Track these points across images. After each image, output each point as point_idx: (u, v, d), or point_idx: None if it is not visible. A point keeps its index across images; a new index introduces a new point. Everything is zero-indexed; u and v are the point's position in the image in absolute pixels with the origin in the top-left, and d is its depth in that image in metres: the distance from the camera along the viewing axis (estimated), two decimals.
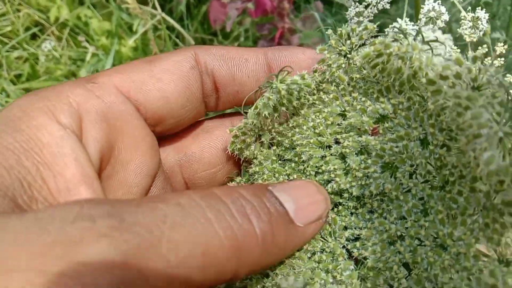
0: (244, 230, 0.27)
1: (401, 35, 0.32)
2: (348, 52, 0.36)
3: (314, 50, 0.37)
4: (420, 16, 0.45)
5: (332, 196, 0.36)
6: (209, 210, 0.26)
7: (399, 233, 0.33)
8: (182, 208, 0.26)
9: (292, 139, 0.38)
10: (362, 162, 0.35)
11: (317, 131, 0.37)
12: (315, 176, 0.37)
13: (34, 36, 1.57)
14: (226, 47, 0.39)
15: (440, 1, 0.45)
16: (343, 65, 0.36)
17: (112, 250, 0.22)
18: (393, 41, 0.32)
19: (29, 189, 0.27)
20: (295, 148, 0.37)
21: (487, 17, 0.48)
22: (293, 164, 0.38)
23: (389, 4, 0.46)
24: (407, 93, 0.34)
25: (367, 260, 0.34)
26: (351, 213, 0.36)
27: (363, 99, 0.36)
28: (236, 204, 0.28)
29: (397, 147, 0.33)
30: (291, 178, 0.37)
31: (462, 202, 0.31)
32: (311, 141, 0.37)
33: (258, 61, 0.38)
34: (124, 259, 0.22)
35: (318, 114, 0.37)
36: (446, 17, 0.46)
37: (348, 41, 0.36)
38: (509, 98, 0.28)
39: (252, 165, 0.39)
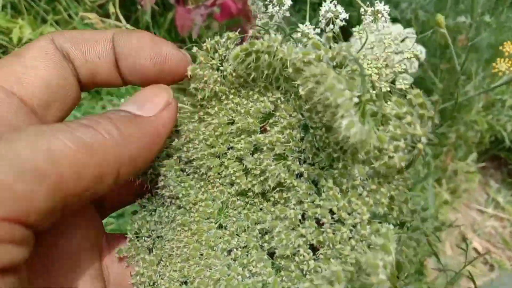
0: (87, 132, 0.31)
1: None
2: (220, 65, 0.37)
3: (158, 38, 0.39)
4: (320, 17, 0.46)
5: (239, 196, 0.38)
6: (47, 127, 0.30)
7: (299, 217, 0.35)
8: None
9: (187, 154, 0.39)
10: (257, 160, 0.36)
11: (208, 143, 0.38)
12: (220, 180, 0.38)
13: None
14: (81, 30, 0.40)
15: (336, 1, 0.46)
16: (219, 78, 0.37)
17: None
18: (257, 38, 0.34)
19: None
20: (193, 162, 0.38)
21: (388, 10, 0.48)
22: (196, 175, 0.39)
23: (288, 12, 0.46)
24: (283, 86, 0.36)
25: (276, 249, 0.35)
26: (260, 209, 0.38)
27: (245, 102, 0.37)
28: (75, 123, 0.32)
29: (283, 138, 0.35)
30: (197, 186, 0.39)
31: (348, 175, 0.33)
32: (205, 153, 0.38)
33: (106, 43, 0.39)
34: None
35: (208, 126, 0.38)
36: (344, 15, 0.46)
37: (216, 54, 0.37)
38: (362, 69, 0.30)
39: (158, 182, 0.40)
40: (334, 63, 0.32)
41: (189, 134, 0.39)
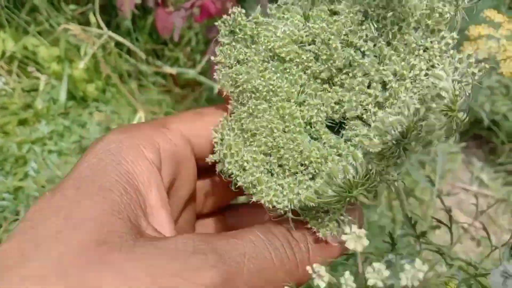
0: (289, 259, 0.38)
1: None
2: None
3: None
4: None
5: (312, 79, 0.41)
6: (269, 246, 0.37)
7: (366, 84, 0.38)
8: (254, 245, 0.36)
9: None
10: (326, 45, 0.40)
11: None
12: (297, 67, 0.41)
13: None
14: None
15: None
16: None
17: (218, 278, 0.32)
18: None
19: (137, 214, 0.35)
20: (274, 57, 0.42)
21: None
22: (273, 69, 0.42)
23: None
24: None
25: (347, 114, 0.39)
26: (329, 92, 0.41)
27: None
28: (286, 240, 0.39)
29: (347, 22, 0.39)
30: (275, 77, 0.41)
31: (405, 44, 0.38)
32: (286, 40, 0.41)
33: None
34: (225, 284, 0.32)
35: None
36: None
37: None
38: None
39: (241, 78, 0.42)
40: None
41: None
